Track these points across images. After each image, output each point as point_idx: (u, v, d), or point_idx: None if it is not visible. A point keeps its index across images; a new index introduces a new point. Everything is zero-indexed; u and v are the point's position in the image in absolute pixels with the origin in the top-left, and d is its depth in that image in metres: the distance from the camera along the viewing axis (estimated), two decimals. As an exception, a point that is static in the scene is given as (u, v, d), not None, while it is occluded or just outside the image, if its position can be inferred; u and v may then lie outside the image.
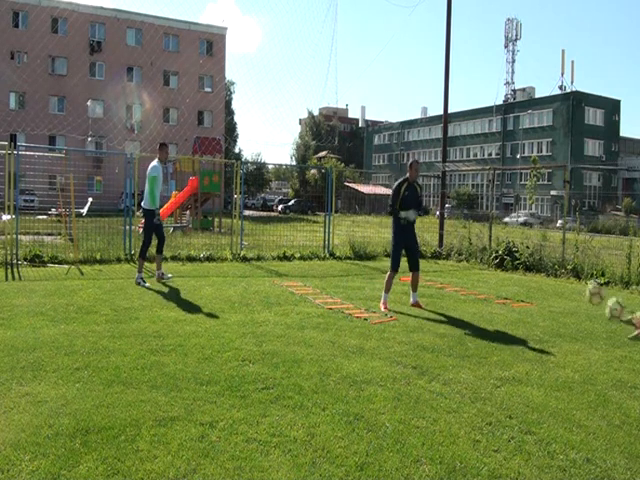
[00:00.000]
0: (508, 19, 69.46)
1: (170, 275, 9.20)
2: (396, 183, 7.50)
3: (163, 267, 9.34)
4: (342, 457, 3.08)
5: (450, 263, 13.69)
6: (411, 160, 7.73)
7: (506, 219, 38.92)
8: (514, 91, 68.37)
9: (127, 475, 2.80)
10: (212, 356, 4.80)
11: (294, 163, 74.69)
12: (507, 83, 69.12)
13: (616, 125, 61.32)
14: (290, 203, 50.35)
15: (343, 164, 62.67)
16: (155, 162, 8.73)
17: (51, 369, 4.30)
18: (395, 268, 7.49)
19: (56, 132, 43.19)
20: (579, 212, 19.30)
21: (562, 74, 60.98)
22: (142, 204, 8.76)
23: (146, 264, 11.21)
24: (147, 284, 8.46)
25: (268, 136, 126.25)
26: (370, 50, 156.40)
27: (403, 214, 7.39)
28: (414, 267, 7.60)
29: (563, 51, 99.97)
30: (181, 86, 49.00)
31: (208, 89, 50.78)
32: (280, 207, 49.00)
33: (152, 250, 11.71)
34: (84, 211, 16.04)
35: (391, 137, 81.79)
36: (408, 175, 7.48)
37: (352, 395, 4.03)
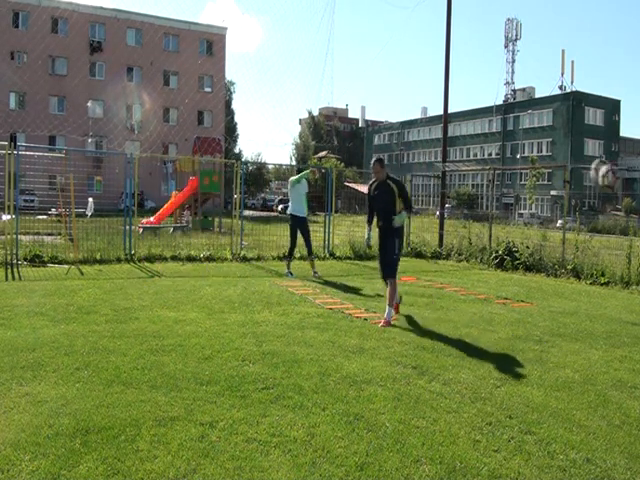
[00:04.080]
0: (508, 19, 69.59)
1: (319, 274, 10.17)
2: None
3: (159, 267, 9.37)
4: (342, 457, 3.08)
5: (450, 263, 13.69)
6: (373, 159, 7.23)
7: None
8: (514, 91, 68.38)
9: (127, 475, 2.80)
10: (212, 356, 4.80)
11: (294, 163, 74.68)
12: (507, 83, 69.17)
13: (616, 125, 61.34)
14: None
15: (343, 164, 62.70)
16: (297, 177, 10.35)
17: (51, 369, 4.30)
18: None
19: (56, 132, 43.21)
20: (579, 212, 19.29)
21: (562, 74, 61.07)
22: (292, 212, 10.33)
23: (147, 264, 11.20)
24: (294, 275, 10.06)
25: (268, 136, 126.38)
26: (370, 50, 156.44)
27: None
28: (383, 274, 6.82)
29: (563, 51, 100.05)
30: (181, 86, 49.01)
31: (208, 89, 50.80)
32: (280, 207, 48.97)
33: (145, 251, 11.75)
34: (89, 212, 15.97)
35: (391, 137, 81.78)
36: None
37: (352, 395, 4.03)
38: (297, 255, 13.17)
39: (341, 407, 3.78)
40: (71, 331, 5.47)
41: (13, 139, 35.34)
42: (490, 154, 65.52)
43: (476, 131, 68.12)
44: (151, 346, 5.03)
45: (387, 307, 6.43)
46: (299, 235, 10.42)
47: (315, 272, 10.16)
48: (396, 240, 6.56)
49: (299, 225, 10.34)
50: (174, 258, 11.94)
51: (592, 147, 58.57)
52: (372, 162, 6.80)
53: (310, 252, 10.50)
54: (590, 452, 3.28)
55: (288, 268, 10.29)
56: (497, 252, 12.82)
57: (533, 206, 51.35)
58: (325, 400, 3.89)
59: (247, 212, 28.99)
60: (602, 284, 10.50)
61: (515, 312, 7.39)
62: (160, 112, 47.31)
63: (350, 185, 47.73)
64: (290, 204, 10.47)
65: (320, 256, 13.41)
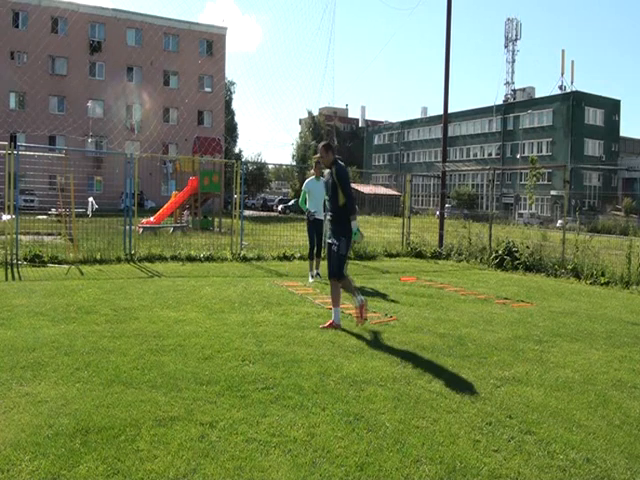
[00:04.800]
0: (508, 19, 69.62)
1: (320, 276, 9.88)
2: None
3: (159, 267, 9.34)
4: (342, 457, 3.08)
5: (450, 263, 13.69)
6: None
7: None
8: (514, 91, 68.37)
9: (127, 475, 2.80)
10: (212, 356, 4.80)
11: (294, 163, 74.66)
12: (507, 83, 69.15)
13: (616, 125, 61.34)
14: (290, 203, 50.30)
15: (343, 164, 62.61)
16: (308, 178, 10.12)
17: (51, 369, 4.30)
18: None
19: (56, 132, 43.22)
20: (579, 212, 19.31)
21: (562, 74, 61.05)
22: (316, 215, 9.93)
23: (147, 264, 11.20)
24: (312, 280, 9.64)
25: (268, 136, 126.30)
26: (370, 50, 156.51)
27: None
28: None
29: (563, 51, 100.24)
30: (181, 86, 49.03)
31: (208, 89, 50.80)
32: (280, 207, 48.98)
33: (143, 250, 11.70)
34: (91, 211, 15.95)
35: (391, 137, 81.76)
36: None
37: (352, 395, 4.03)
38: (297, 255, 13.19)
39: (341, 407, 3.78)
40: (71, 331, 5.47)
41: (13, 139, 35.38)
42: (490, 154, 65.51)
43: (476, 131, 68.11)
44: (151, 346, 5.03)
45: (333, 309, 6.08)
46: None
47: (317, 273, 10.03)
48: (342, 239, 6.04)
49: (317, 226, 10.04)
50: (174, 258, 11.93)
51: (592, 147, 58.58)
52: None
53: (319, 253, 10.30)
54: (590, 452, 3.28)
55: (311, 270, 9.93)
56: (497, 252, 12.82)
57: (533, 206, 51.33)
58: (325, 400, 3.90)
59: (247, 212, 28.98)
60: (602, 284, 10.50)
61: (515, 312, 7.39)
62: (160, 112, 47.32)
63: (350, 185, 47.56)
64: (310, 206, 9.89)
65: (321, 256, 13.40)
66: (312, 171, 10.33)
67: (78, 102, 44.92)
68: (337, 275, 6.09)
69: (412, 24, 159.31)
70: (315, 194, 9.91)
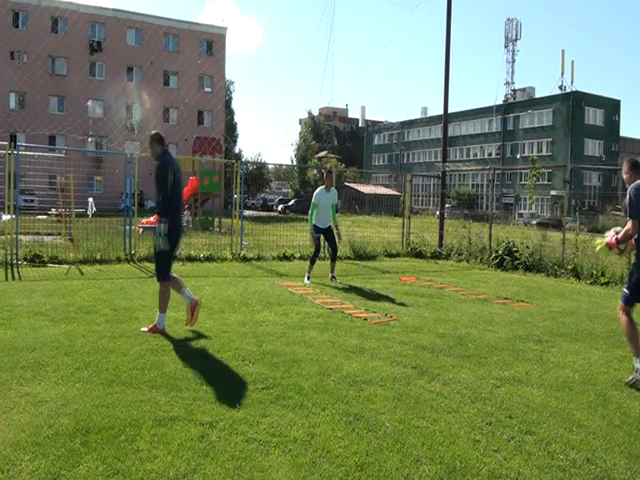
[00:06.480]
0: (508, 19, 69.62)
1: (337, 279, 9.77)
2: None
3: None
4: (342, 457, 3.08)
5: (450, 263, 13.69)
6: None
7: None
8: (514, 91, 68.36)
9: (127, 475, 2.80)
10: (212, 356, 4.81)
11: (295, 163, 74.65)
12: (507, 83, 69.14)
13: (616, 125, 61.33)
14: (290, 203, 50.33)
15: (343, 164, 62.65)
16: (318, 189, 9.89)
17: (51, 369, 4.30)
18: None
19: (56, 132, 43.22)
20: (579, 212, 19.29)
21: (562, 74, 61.04)
22: (323, 225, 9.78)
23: (147, 264, 11.21)
24: (308, 282, 9.33)
25: (268, 136, 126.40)
26: (370, 50, 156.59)
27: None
28: None
29: (563, 51, 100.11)
30: (181, 86, 49.03)
31: (208, 89, 50.81)
32: (280, 207, 49.00)
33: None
34: (91, 212, 15.97)
35: (391, 137, 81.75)
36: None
37: (352, 395, 4.03)
38: (297, 255, 13.20)
39: (341, 407, 3.78)
40: (71, 331, 5.47)
41: (13, 139, 35.36)
42: (490, 154, 65.49)
43: (476, 131, 68.10)
44: (151, 346, 5.03)
45: (158, 313, 5.63)
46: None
47: (333, 276, 9.82)
48: (159, 238, 5.46)
49: (327, 233, 9.82)
50: (174, 258, 11.92)
51: (592, 147, 58.57)
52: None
53: (334, 256, 10.08)
54: (590, 452, 3.28)
55: (309, 271, 9.60)
56: (497, 252, 12.82)
57: (533, 206, 51.32)
58: (325, 400, 3.90)
59: (247, 212, 28.98)
60: (602, 284, 10.50)
61: (515, 312, 7.39)
62: (160, 112, 47.31)
63: (350, 185, 47.71)
64: (318, 217, 9.64)
65: (320, 256, 13.39)
66: (315, 175, 10.19)
67: (78, 102, 44.90)
68: (158, 276, 5.67)
69: (412, 24, 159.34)
70: (324, 205, 9.65)
